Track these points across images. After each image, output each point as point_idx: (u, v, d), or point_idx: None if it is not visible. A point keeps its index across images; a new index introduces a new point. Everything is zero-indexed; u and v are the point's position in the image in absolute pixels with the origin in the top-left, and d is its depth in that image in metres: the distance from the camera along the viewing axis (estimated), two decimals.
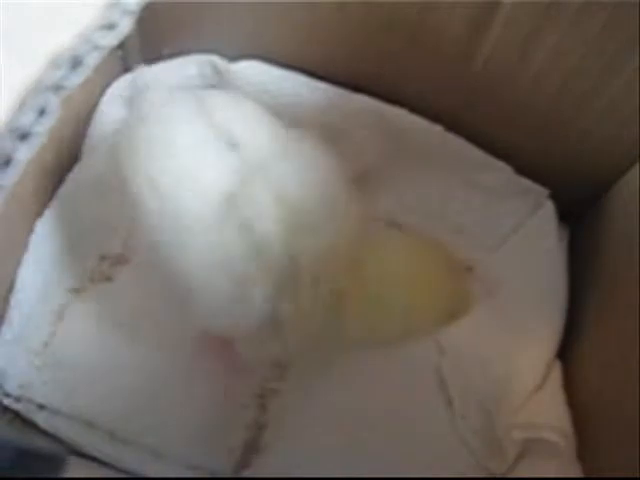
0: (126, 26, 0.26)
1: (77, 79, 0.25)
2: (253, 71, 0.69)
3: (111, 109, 0.70)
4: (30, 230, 0.65)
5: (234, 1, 0.65)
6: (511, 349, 0.63)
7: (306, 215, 0.47)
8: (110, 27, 0.26)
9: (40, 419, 0.60)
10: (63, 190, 0.67)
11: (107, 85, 0.71)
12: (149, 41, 0.72)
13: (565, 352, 0.64)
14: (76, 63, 0.25)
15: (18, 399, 0.59)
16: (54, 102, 0.24)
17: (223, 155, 0.49)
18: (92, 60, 0.25)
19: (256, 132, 0.51)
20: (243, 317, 0.49)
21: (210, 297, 0.48)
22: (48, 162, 0.65)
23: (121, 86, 0.71)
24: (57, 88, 0.25)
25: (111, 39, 0.26)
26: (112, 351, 0.61)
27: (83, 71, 0.25)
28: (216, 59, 0.69)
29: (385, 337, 0.55)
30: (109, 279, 0.65)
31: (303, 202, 0.48)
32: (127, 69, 0.73)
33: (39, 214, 0.66)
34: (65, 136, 0.67)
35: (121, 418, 0.59)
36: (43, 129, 0.24)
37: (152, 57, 0.73)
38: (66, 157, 0.68)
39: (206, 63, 0.70)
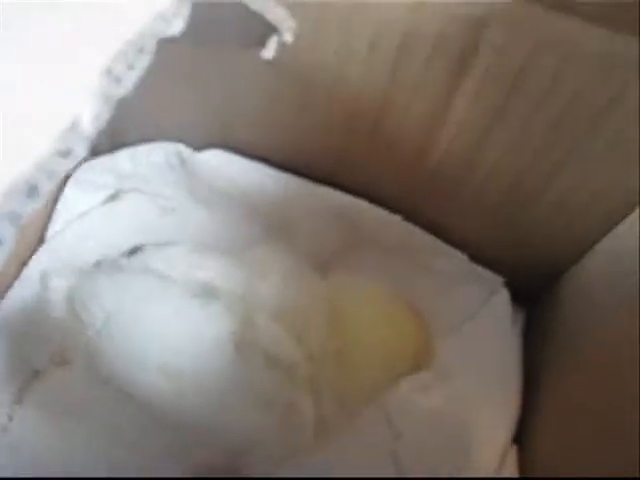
0: (82, 151, 0.27)
1: (32, 206, 0.26)
2: (218, 161, 0.70)
3: (75, 194, 0.70)
4: None
5: (198, 98, 0.66)
6: (467, 435, 0.62)
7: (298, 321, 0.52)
8: (66, 154, 0.27)
9: None
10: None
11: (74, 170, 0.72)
12: (115, 126, 0.71)
13: (521, 436, 0.64)
14: (31, 191, 0.26)
15: None
16: (10, 231, 0.25)
17: (200, 310, 0.52)
18: (47, 187, 0.26)
19: (222, 271, 0.55)
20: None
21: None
22: None
23: (86, 169, 0.72)
24: (13, 217, 0.25)
25: (67, 165, 0.27)
26: (67, 438, 0.60)
27: (39, 199, 0.26)
28: (181, 147, 0.71)
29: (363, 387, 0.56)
30: (68, 362, 0.63)
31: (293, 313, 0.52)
32: (94, 153, 0.74)
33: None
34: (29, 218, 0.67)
35: None
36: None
37: (119, 141, 0.74)
38: (31, 241, 0.69)
39: (172, 151, 0.71)
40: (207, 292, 0.53)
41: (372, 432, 0.62)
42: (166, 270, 0.55)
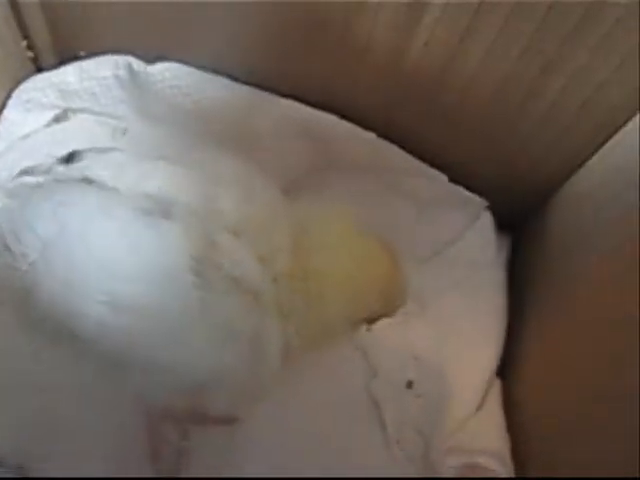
0: None
1: None
2: (171, 73, 0.65)
3: (17, 114, 0.65)
4: None
5: (152, 0, 0.60)
6: (447, 369, 0.61)
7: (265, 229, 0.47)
8: None
9: None
10: None
11: (15, 87, 0.67)
12: (62, 41, 0.67)
13: (505, 370, 0.63)
14: None
15: None
16: None
17: (152, 231, 0.46)
18: None
19: (173, 183, 0.48)
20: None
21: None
22: None
23: (29, 87, 0.66)
24: None
25: None
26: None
27: None
28: (132, 60, 0.65)
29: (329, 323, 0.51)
30: None
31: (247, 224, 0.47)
32: (40, 70, 0.69)
33: None
34: None
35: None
36: None
37: (67, 58, 0.68)
38: None
39: (122, 64, 0.66)
40: (159, 207, 0.46)
41: (346, 369, 0.61)
42: (110, 180, 0.48)
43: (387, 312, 0.54)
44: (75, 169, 0.50)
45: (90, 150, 0.51)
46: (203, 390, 0.51)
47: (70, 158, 0.51)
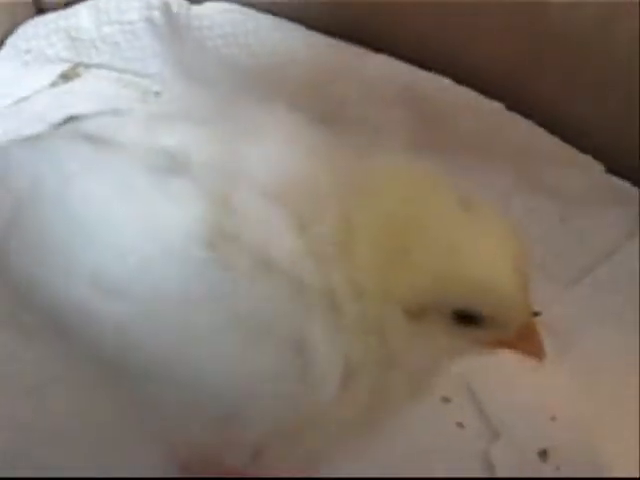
0: None
1: None
2: (223, 17, 0.57)
3: (12, 70, 0.56)
4: None
5: None
6: (597, 434, 0.51)
7: (310, 197, 0.37)
8: None
9: None
10: None
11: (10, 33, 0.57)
12: None
13: None
14: None
15: None
16: None
17: (163, 189, 0.38)
18: None
19: (191, 132, 0.41)
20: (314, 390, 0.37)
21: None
22: None
23: (28, 33, 0.57)
24: None
25: None
26: None
27: None
28: None
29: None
30: None
31: (300, 186, 0.38)
32: (41, 11, 0.59)
33: None
34: None
35: None
36: None
37: None
38: None
39: (156, 3, 0.56)
40: (172, 164, 0.40)
41: (454, 427, 0.52)
42: (113, 135, 0.42)
43: (500, 327, 0.39)
44: (69, 128, 0.45)
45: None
46: (229, 420, 0.41)
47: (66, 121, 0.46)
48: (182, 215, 0.38)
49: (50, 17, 0.57)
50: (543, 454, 0.51)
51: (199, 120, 0.43)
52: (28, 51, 0.57)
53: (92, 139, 0.42)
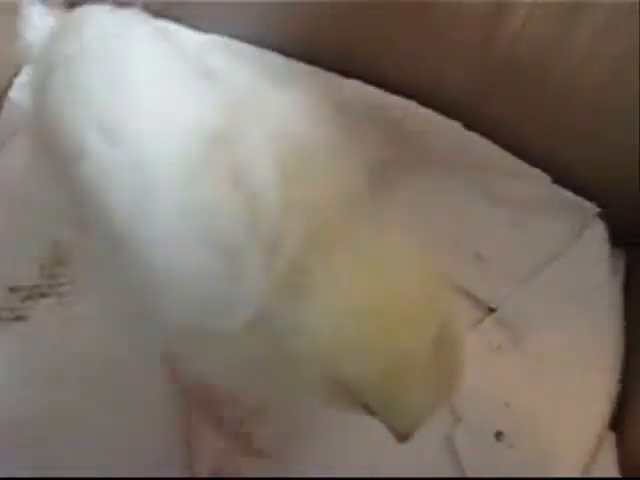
0: None
1: None
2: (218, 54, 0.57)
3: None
4: None
5: None
6: (548, 416, 0.54)
7: (307, 158, 0.38)
8: None
9: None
10: None
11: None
12: None
13: (619, 420, 0.55)
14: None
15: None
16: None
17: (196, 87, 0.40)
18: None
19: (237, 61, 0.45)
20: (236, 305, 0.37)
21: (188, 285, 0.37)
22: None
23: None
24: None
25: None
26: (27, 400, 0.51)
27: None
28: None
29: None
30: (21, 318, 0.55)
31: (304, 141, 0.39)
32: None
33: None
34: None
35: None
36: None
37: None
38: None
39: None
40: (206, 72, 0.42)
41: None
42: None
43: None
44: None
45: None
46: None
47: None
48: (200, 111, 0.40)
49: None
50: (499, 435, 0.53)
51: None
52: None
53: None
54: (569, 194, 0.59)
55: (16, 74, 0.61)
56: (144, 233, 0.38)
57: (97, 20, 0.45)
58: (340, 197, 0.38)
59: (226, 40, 0.60)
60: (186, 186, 0.38)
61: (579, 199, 0.59)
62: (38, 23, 0.51)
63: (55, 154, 0.42)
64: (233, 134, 0.39)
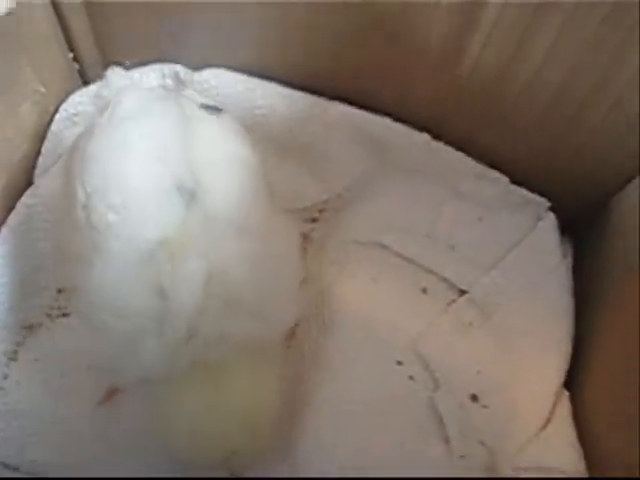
0: None
1: None
2: (219, 81, 0.63)
3: (65, 127, 0.63)
4: None
5: (196, 4, 0.59)
6: (513, 379, 0.58)
7: (242, 301, 0.45)
8: None
9: None
10: (13, 218, 0.60)
11: (62, 101, 0.65)
12: (108, 52, 0.66)
13: (572, 380, 0.59)
14: None
15: None
16: None
17: (171, 197, 0.46)
18: None
19: (226, 186, 0.48)
20: (132, 362, 0.45)
21: (112, 331, 0.44)
22: None
23: (76, 101, 0.64)
24: None
25: None
26: (71, 397, 0.55)
27: None
28: (179, 68, 0.64)
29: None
30: (67, 314, 0.59)
31: (240, 286, 0.44)
32: (86, 83, 0.67)
33: None
34: (16, 159, 0.61)
35: (78, 472, 0.53)
36: None
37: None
38: (18, 182, 0.62)
39: (168, 72, 0.64)
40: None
41: (406, 380, 0.59)
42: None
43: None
44: None
45: None
46: None
47: None
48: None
49: (92, 88, 0.64)
50: (474, 397, 0.58)
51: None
52: (76, 114, 0.63)
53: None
54: (525, 191, 0.63)
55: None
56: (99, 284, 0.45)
57: (124, 101, 0.51)
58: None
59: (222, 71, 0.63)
60: (129, 267, 0.44)
61: (533, 195, 0.63)
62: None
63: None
64: (173, 259, 0.43)
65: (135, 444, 0.53)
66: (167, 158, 0.47)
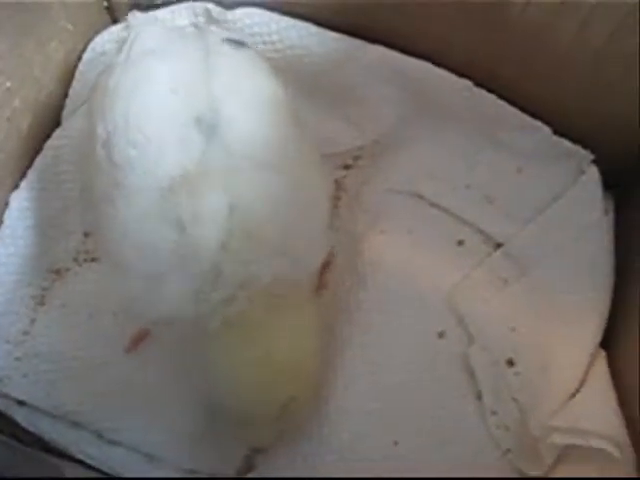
0: None
1: None
2: (253, 19, 0.61)
3: (94, 67, 0.62)
4: (4, 204, 0.59)
5: None
6: (548, 338, 0.57)
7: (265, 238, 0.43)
8: None
9: (20, 417, 0.55)
10: (41, 159, 0.60)
11: (90, 40, 0.64)
12: None
13: (611, 340, 0.57)
14: None
15: None
16: None
17: (190, 131, 0.44)
18: None
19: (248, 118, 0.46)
20: (158, 301, 0.44)
21: (136, 269, 0.44)
22: (24, 129, 0.59)
23: (105, 39, 0.63)
24: None
25: None
26: (99, 341, 0.56)
27: None
28: (211, 6, 0.62)
29: None
30: (95, 259, 0.59)
31: (264, 222, 0.43)
32: (115, 21, 0.66)
33: (14, 186, 0.59)
34: (43, 99, 0.60)
35: (108, 417, 0.54)
36: None
37: (143, 6, 0.65)
38: (45, 123, 0.61)
39: (200, 11, 0.62)
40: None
41: (440, 333, 0.59)
42: None
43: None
44: None
45: None
46: None
47: None
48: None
49: (120, 26, 0.63)
50: (510, 362, 0.56)
51: None
52: (103, 53, 0.62)
53: None
54: (568, 143, 0.61)
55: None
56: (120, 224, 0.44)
57: (144, 38, 0.51)
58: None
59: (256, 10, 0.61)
60: (149, 203, 0.43)
61: (576, 147, 0.61)
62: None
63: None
64: (190, 190, 0.43)
65: (167, 391, 0.53)
66: (186, 92, 0.45)
